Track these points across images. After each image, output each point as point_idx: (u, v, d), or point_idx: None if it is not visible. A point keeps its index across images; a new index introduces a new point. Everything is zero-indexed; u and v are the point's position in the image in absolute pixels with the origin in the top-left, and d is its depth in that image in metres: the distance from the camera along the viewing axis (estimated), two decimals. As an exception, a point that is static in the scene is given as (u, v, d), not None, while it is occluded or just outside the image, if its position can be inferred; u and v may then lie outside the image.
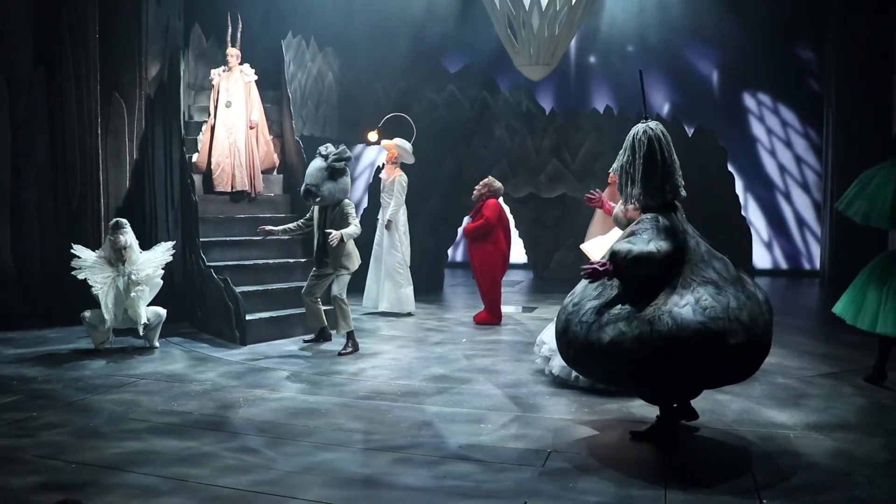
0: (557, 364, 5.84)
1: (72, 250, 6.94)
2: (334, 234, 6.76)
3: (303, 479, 3.98)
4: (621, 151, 4.40)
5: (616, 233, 6.00)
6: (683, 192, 4.36)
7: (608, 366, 4.10)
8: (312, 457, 4.30)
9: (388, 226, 9.00)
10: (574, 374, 5.73)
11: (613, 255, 4.11)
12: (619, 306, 4.08)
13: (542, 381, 5.92)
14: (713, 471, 4.15)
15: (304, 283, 7.26)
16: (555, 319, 6.17)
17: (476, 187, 8.60)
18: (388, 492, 3.83)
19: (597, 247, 6.01)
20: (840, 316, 5.71)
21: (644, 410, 5.16)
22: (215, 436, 4.65)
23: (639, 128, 4.35)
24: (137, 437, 4.61)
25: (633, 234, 4.23)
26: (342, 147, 7.11)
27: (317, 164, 6.96)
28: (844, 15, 11.12)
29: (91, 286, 6.78)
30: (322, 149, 7.07)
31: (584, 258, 6.04)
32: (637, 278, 4.09)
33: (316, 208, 7.13)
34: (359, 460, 4.27)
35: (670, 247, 4.12)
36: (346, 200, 7.08)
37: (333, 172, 6.91)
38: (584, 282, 4.39)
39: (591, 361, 4.17)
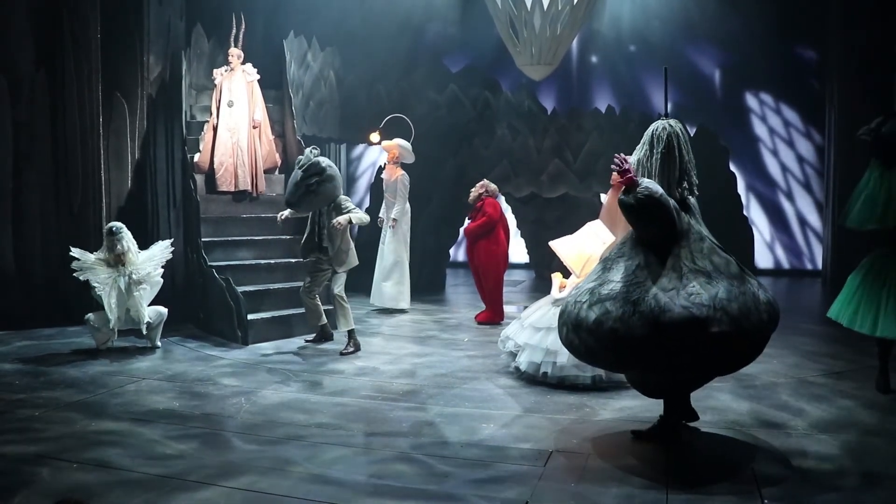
0: (525, 360, 5.93)
1: (70, 253, 6.94)
2: (341, 218, 6.79)
3: (304, 478, 3.98)
4: (639, 146, 4.43)
5: (587, 232, 6.03)
6: (697, 192, 4.41)
7: (592, 344, 4.15)
8: (313, 456, 4.30)
9: (393, 225, 9.11)
10: (542, 370, 5.81)
11: (638, 185, 4.08)
12: (610, 287, 4.14)
13: (544, 381, 5.89)
14: (715, 470, 4.14)
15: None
16: (520, 316, 6.29)
17: (472, 190, 8.68)
18: (390, 491, 3.83)
19: (567, 245, 6.05)
20: (836, 320, 5.66)
21: (645, 410, 5.16)
22: (216, 435, 4.66)
23: (658, 124, 4.40)
24: (139, 437, 4.61)
25: None
26: (314, 160, 6.85)
27: (295, 177, 6.90)
28: (846, 14, 11.10)
29: (93, 287, 6.80)
30: (301, 158, 6.96)
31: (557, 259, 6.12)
32: (636, 216, 4.12)
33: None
34: (360, 460, 4.27)
35: (675, 218, 4.14)
36: (342, 197, 7.06)
37: (308, 189, 6.81)
38: (594, 268, 4.48)
39: (579, 340, 4.23)
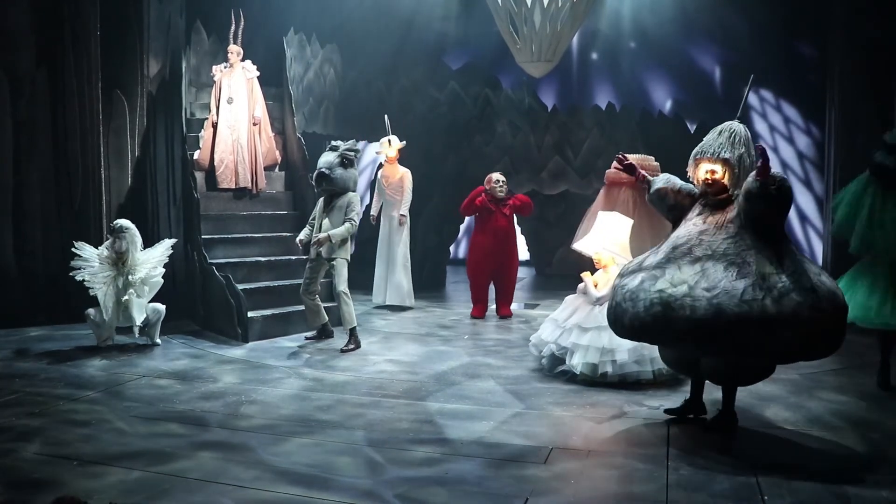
0: (580, 362, 5.77)
1: (73, 248, 6.95)
2: (321, 237, 6.92)
3: (307, 475, 3.99)
4: (729, 146, 4.59)
5: (603, 222, 6.02)
6: None
7: (789, 337, 4.13)
8: (315, 454, 4.30)
9: (401, 222, 9.08)
10: (601, 370, 5.70)
11: (773, 175, 4.32)
12: (778, 280, 4.18)
13: (544, 378, 5.92)
14: (715, 466, 4.14)
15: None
16: (554, 318, 6.16)
17: (498, 185, 8.68)
18: (390, 488, 3.83)
19: (589, 242, 6.04)
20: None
21: (646, 406, 5.17)
22: (216, 434, 4.66)
23: (742, 126, 4.69)
24: (138, 436, 4.62)
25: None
26: (352, 141, 7.32)
27: (328, 154, 7.18)
28: (847, 10, 11.08)
29: (89, 287, 6.81)
30: (333, 143, 7.30)
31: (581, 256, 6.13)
32: (776, 204, 4.34)
33: (320, 201, 7.23)
34: (360, 457, 4.27)
35: None
36: (353, 193, 7.20)
37: (344, 161, 7.11)
38: (670, 271, 4.43)
39: (773, 338, 4.15)
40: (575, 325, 5.95)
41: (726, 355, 4.46)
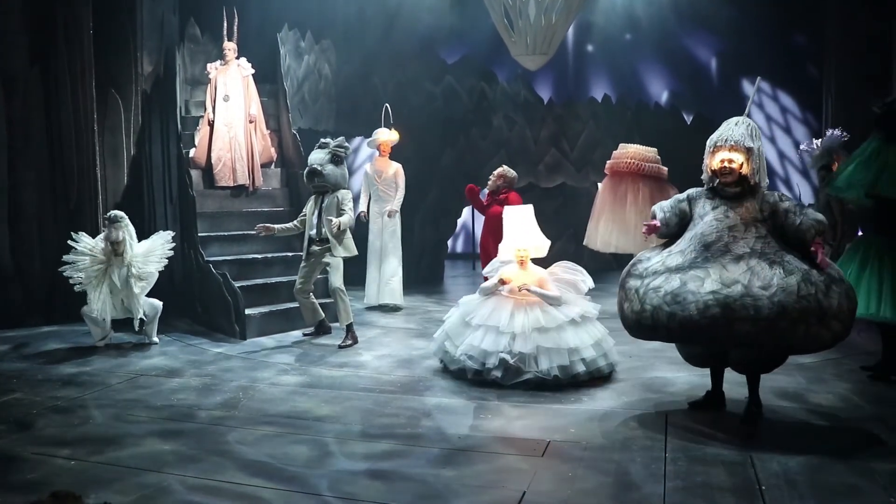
0: (549, 366, 5.46)
1: (70, 240, 6.91)
2: (335, 221, 6.97)
3: (307, 471, 3.99)
4: (752, 138, 4.64)
5: (513, 219, 5.97)
6: None
7: (838, 329, 4.26)
8: (313, 450, 4.30)
9: (390, 215, 8.85)
10: (573, 371, 5.49)
11: (822, 224, 4.51)
12: (818, 274, 4.28)
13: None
14: (713, 458, 4.14)
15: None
16: (494, 326, 5.69)
17: (491, 177, 8.37)
18: (388, 483, 3.83)
19: (510, 244, 5.95)
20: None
21: (641, 399, 5.17)
22: (215, 431, 4.66)
23: (750, 121, 4.75)
24: (136, 434, 4.62)
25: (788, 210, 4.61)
26: (341, 138, 7.39)
27: (318, 151, 7.24)
28: (844, 1, 11.06)
29: (74, 284, 6.80)
30: (322, 140, 7.32)
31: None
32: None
33: (311, 199, 7.25)
34: (358, 452, 4.27)
35: None
36: (345, 189, 7.22)
37: (335, 158, 7.17)
38: (715, 271, 4.37)
39: (826, 329, 4.22)
40: (533, 329, 5.55)
41: (781, 349, 4.47)
